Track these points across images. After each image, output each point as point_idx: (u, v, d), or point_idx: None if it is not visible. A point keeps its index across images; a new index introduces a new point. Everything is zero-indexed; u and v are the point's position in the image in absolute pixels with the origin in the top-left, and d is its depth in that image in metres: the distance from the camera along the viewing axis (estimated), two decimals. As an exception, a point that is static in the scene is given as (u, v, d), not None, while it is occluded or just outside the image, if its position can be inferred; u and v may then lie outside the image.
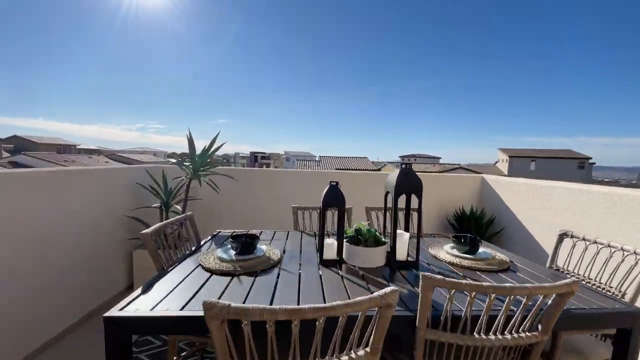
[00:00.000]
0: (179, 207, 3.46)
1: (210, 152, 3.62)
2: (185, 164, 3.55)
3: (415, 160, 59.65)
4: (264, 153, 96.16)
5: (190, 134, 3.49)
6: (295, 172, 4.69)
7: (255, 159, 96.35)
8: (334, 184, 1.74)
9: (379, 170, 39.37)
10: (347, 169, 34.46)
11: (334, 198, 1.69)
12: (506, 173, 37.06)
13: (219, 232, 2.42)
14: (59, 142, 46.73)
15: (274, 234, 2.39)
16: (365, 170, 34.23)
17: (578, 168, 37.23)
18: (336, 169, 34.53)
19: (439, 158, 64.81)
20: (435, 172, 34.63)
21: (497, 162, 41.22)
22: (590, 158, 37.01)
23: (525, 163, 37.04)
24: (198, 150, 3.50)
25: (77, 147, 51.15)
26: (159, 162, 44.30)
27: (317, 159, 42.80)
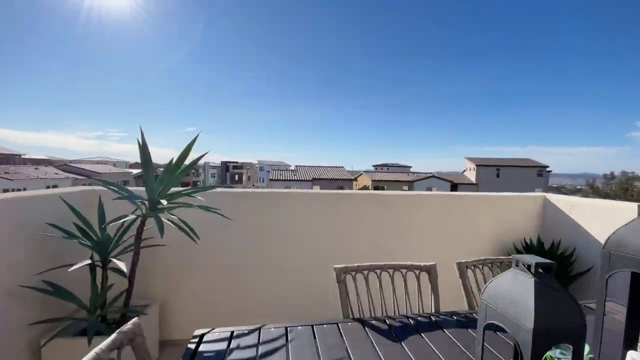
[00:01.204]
0: (122, 265, 1.92)
1: (181, 169, 2.29)
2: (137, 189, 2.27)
3: (387, 169, 60.96)
4: (237, 162, 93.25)
5: (143, 139, 2.09)
6: (330, 195, 2.87)
7: (227, 168, 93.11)
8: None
9: (355, 179, 39.53)
10: (324, 179, 34.13)
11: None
12: (474, 181, 38.85)
13: (202, 336, 1.26)
14: (1, 152, 41.43)
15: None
16: (343, 179, 34.18)
17: (537, 176, 40.00)
18: (313, 179, 34.07)
19: (410, 167, 66.85)
20: (410, 180, 35.33)
21: (464, 170, 43.13)
22: (548, 166, 39.99)
23: (490, 171, 39.09)
24: (160, 166, 2.40)
25: (23, 156, 45.78)
26: (119, 173, 40.95)
27: (292, 169, 42.02)
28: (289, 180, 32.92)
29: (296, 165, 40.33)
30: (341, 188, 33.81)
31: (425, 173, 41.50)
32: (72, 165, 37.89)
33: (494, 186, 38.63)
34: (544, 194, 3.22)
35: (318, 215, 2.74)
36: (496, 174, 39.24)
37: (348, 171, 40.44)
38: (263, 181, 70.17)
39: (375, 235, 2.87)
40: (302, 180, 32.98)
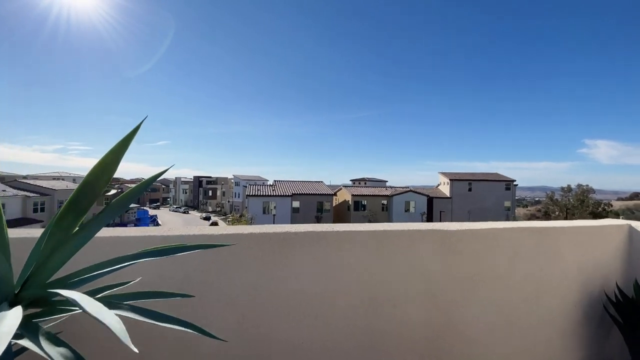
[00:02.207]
0: None
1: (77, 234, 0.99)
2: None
3: (365, 183, 61.60)
4: (210, 177, 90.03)
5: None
6: (368, 233, 1.81)
7: (200, 183, 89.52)
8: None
9: (335, 194, 39.31)
10: (304, 194, 33.51)
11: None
12: (448, 195, 40.07)
13: None
14: None
15: None
16: (323, 194, 33.75)
17: (505, 189, 42.15)
18: (293, 194, 33.29)
19: (386, 181, 68.09)
20: (389, 195, 35.64)
21: (438, 184, 44.53)
22: (515, 180, 42.33)
23: (463, 186, 40.61)
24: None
25: (-37, 171, 40.71)
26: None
27: (270, 183, 40.98)
28: (268, 195, 31.86)
29: (275, 180, 39.37)
30: (321, 203, 33.32)
31: (402, 187, 42.26)
32: (23, 181, 34.17)
33: (467, 200, 40.12)
34: (629, 221, 2.51)
35: (349, 269, 1.78)
36: (468, 188, 40.82)
37: (327, 186, 40.17)
38: (239, 197, 67.91)
39: (437, 291, 1.99)
40: (281, 195, 32.06)
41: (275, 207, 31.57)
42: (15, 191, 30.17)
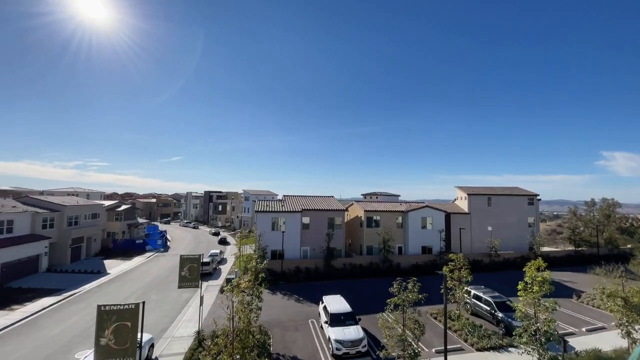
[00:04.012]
0: None
1: None
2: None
3: (377, 198, 59.61)
4: (220, 192, 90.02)
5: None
6: None
7: (210, 198, 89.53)
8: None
9: (346, 210, 37.67)
10: (315, 209, 32.04)
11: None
12: (467, 210, 37.77)
13: None
14: (-47, 182, 37.25)
15: None
16: (334, 209, 32.14)
17: (528, 204, 39.49)
18: (303, 209, 31.90)
19: (398, 196, 65.88)
20: (404, 210, 33.71)
21: (455, 199, 42.27)
22: (538, 195, 39.68)
23: (482, 200, 38.28)
24: None
25: (-20, 188, 41.48)
26: (88, 206, 37.48)
27: (280, 198, 39.86)
28: (277, 211, 30.59)
29: (284, 195, 38.20)
30: (332, 219, 31.72)
31: (416, 202, 40.22)
32: (33, 197, 34.24)
33: (487, 215, 37.68)
34: None
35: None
36: (488, 202, 38.45)
37: (338, 200, 38.64)
38: (248, 212, 67.01)
39: None
40: (290, 211, 30.73)
41: (284, 223, 30.24)
42: (25, 207, 30.06)
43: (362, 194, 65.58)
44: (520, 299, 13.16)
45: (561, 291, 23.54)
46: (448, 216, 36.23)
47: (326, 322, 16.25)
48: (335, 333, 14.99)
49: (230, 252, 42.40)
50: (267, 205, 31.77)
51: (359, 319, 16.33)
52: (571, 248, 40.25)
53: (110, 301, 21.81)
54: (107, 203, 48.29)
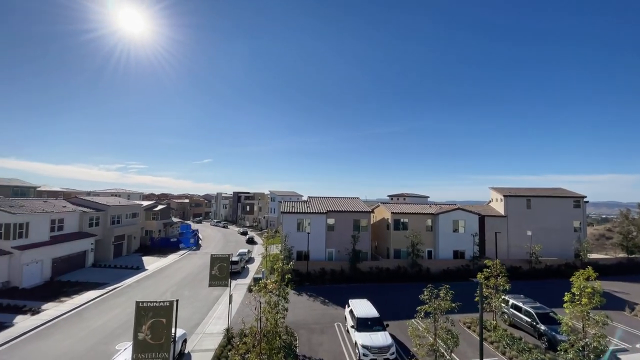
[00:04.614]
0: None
1: None
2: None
3: (404, 199, 58.01)
4: (248, 193, 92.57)
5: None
6: None
7: (239, 199, 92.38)
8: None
9: (372, 211, 37.04)
10: (340, 211, 31.81)
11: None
12: (503, 213, 35.51)
13: None
14: (16, 184, 41.81)
15: None
16: (360, 211, 31.73)
17: (574, 207, 36.30)
18: (328, 211, 31.81)
19: (427, 197, 63.62)
20: (434, 212, 32.43)
21: (490, 201, 39.92)
22: (585, 197, 36.35)
23: (520, 202, 35.79)
24: None
25: (38, 188, 46.19)
26: (129, 206, 40.17)
27: (305, 199, 40.10)
28: (302, 212, 30.74)
29: (309, 197, 38.36)
30: (358, 221, 31.28)
31: (447, 204, 38.52)
32: (81, 197, 37.34)
33: (526, 219, 35.15)
34: None
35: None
36: (527, 205, 35.86)
37: (363, 202, 38.07)
38: (274, 212, 68.24)
39: None
40: (315, 212, 30.74)
41: (309, 224, 30.34)
42: (74, 207, 32.85)
43: (388, 195, 64.18)
44: (567, 311, 12.06)
45: (612, 303, 21.28)
46: (482, 219, 34.30)
47: (352, 327, 15.96)
48: (362, 338, 14.66)
49: (257, 252, 43.36)
50: (292, 207, 32.06)
51: (387, 325, 15.85)
52: (623, 255, 36.37)
53: (148, 296, 23.14)
54: (145, 203, 51.45)
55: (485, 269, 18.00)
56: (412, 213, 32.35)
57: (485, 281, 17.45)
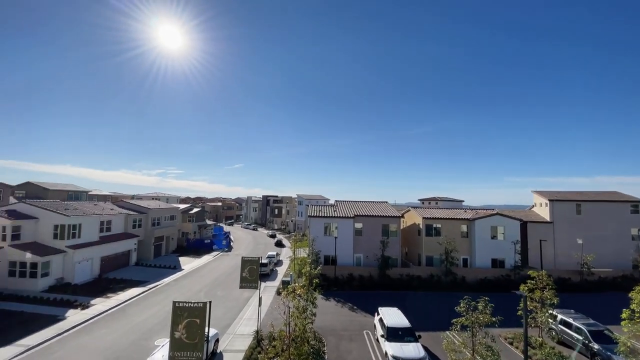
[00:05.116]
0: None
1: None
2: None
3: (436, 203, 55.68)
4: (276, 196, 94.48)
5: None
6: None
7: (268, 202, 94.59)
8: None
9: (402, 216, 35.86)
10: (368, 215, 31.25)
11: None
12: (548, 219, 32.67)
13: None
14: (71, 189, 46.34)
15: None
16: (389, 216, 30.93)
17: (631, 212, 32.47)
18: (355, 215, 31.41)
19: (462, 201, 60.53)
20: (469, 218, 30.67)
21: (533, 206, 36.96)
22: (647, 201, 32.35)
23: (569, 207, 32.71)
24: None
25: (89, 193, 50.79)
26: (167, 209, 42.74)
27: (332, 203, 39.99)
28: (329, 217, 30.61)
29: (336, 201, 38.20)
30: (387, 226, 30.48)
31: (485, 208, 36.25)
32: (126, 201, 40.39)
33: (575, 225, 32.02)
34: None
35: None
36: (576, 210, 32.69)
37: (392, 206, 37.08)
38: (301, 215, 68.88)
39: None
40: (343, 217, 30.47)
41: (336, 229, 30.12)
42: (120, 209, 35.62)
43: (419, 199, 62.04)
44: (625, 329, 10.73)
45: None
46: (524, 225, 31.82)
47: (382, 336, 15.45)
48: (393, 349, 14.12)
49: (285, 255, 43.90)
50: (319, 211, 32.07)
51: (419, 336, 15.15)
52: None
53: (184, 294, 24.31)
54: (182, 206, 54.43)
55: (529, 280, 16.60)
56: (446, 218, 30.85)
57: (530, 294, 16.07)
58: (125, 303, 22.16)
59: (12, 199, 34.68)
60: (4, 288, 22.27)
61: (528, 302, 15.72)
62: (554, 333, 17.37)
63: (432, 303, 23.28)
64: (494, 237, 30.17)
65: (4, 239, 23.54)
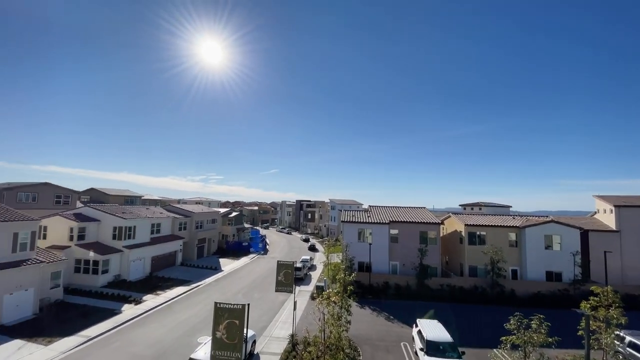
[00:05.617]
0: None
1: None
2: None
3: (480, 209, 52.12)
4: (309, 201, 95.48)
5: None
6: None
7: (301, 207, 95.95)
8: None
9: (442, 223, 34.06)
10: (404, 222, 30.20)
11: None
12: (614, 227, 28.84)
13: None
14: (127, 194, 51.23)
15: None
16: (427, 222, 29.58)
17: None
18: (390, 221, 30.53)
19: (509, 206, 55.92)
20: (519, 226, 28.20)
21: (595, 212, 32.93)
22: None
23: (639, 214, 28.59)
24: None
25: (142, 198, 55.69)
26: (209, 212, 45.33)
27: (365, 208, 39.32)
28: (363, 222, 30.12)
29: (370, 206, 37.47)
30: (425, 233, 29.17)
31: (536, 215, 33.10)
32: (173, 205, 43.62)
33: (650, 235, 27.80)
34: None
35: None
36: (649, 218, 28.45)
37: (431, 211, 35.41)
38: (334, 220, 68.67)
39: None
40: (377, 222, 29.80)
41: (371, 234, 29.48)
42: (168, 213, 38.51)
43: (460, 205, 58.60)
44: None
45: None
46: (585, 234, 28.44)
47: (422, 349, 14.68)
48: (434, 364, 13.33)
49: (318, 259, 43.99)
50: (352, 216, 31.69)
51: (463, 353, 14.14)
52: None
53: (223, 295, 25.45)
54: (222, 210, 57.31)
55: (591, 297, 14.72)
56: (491, 225, 28.68)
57: (593, 312, 14.23)
58: (172, 300, 23.77)
59: (78, 203, 39.24)
60: (70, 283, 25.13)
61: (590, 322, 13.92)
62: (620, 357, 15.20)
63: (477, 317, 21.66)
64: (548, 247, 27.34)
65: (71, 239, 26.64)
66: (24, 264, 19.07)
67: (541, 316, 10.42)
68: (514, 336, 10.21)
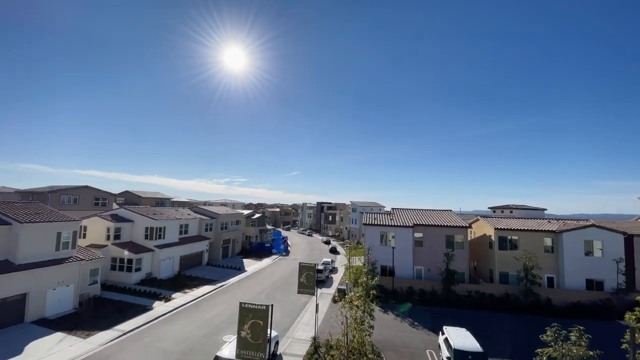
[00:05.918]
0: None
1: None
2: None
3: (511, 212, 49.45)
4: (330, 203, 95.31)
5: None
6: None
7: (322, 209, 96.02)
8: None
9: (470, 226, 32.63)
10: (429, 225, 29.24)
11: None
12: (666, 233, 26.16)
13: None
14: (158, 197, 53.92)
15: None
16: (454, 226, 28.43)
17: None
18: (414, 224, 29.71)
19: (544, 210, 52.55)
20: (555, 230, 26.43)
21: (642, 216, 30.15)
22: None
23: (697, 219, 25.75)
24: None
25: (171, 200, 58.37)
26: (233, 214, 46.62)
27: (388, 210, 38.59)
28: (386, 225, 29.57)
29: (392, 208, 36.76)
30: (451, 237, 28.09)
31: (574, 219, 30.81)
32: (199, 207, 45.31)
33: None
34: None
35: None
36: None
37: (457, 214, 34.07)
38: (355, 223, 67.99)
39: None
40: (400, 225, 29.14)
41: (394, 238, 28.85)
42: (195, 214, 40.05)
43: (489, 207, 55.97)
44: None
45: None
46: (629, 240, 26.09)
47: (448, 358, 14.12)
48: (462, 374, 12.77)
49: (339, 262, 43.74)
50: (375, 218, 31.21)
51: (494, 363, 13.43)
52: None
53: (247, 294, 25.99)
54: (246, 212, 58.68)
55: (637, 308, 13.43)
56: (524, 230, 27.09)
57: (638, 324, 12.98)
58: (199, 299, 24.62)
59: (114, 205, 41.85)
60: (107, 279, 26.79)
61: (636, 334, 12.71)
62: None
63: (508, 327, 20.50)
64: (588, 253, 25.36)
65: (108, 238, 28.43)
66: (66, 261, 20.60)
67: (581, 327, 9.66)
68: (550, 348, 9.53)
